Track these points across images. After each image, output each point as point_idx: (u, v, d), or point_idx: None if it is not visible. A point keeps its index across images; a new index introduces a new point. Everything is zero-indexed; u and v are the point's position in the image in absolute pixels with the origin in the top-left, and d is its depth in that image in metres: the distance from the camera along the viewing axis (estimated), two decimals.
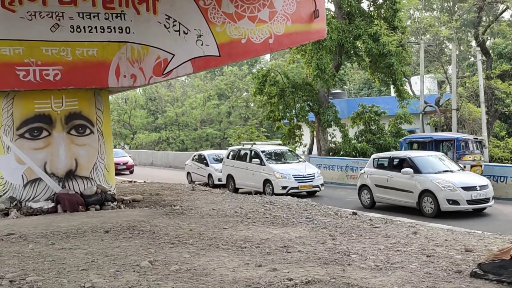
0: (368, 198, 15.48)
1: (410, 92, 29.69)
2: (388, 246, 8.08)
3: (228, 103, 55.44)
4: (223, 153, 23.11)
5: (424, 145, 19.16)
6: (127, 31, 12.57)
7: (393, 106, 30.00)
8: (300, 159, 20.06)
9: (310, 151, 32.68)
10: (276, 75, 27.78)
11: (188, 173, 24.01)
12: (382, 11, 27.49)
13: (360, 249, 7.81)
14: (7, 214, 11.87)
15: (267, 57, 58.46)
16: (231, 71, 54.10)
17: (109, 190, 12.98)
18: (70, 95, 12.53)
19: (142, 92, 56.67)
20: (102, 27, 12.34)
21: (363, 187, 15.69)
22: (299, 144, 29.07)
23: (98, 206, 12.48)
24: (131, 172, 30.71)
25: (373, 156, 16.60)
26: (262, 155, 18.92)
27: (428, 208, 13.52)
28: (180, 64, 13.05)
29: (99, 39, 12.32)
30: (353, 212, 12.03)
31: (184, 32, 13.08)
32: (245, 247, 7.81)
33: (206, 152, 24.31)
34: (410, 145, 19.88)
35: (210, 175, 22.19)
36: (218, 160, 22.32)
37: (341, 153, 27.33)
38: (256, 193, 16.58)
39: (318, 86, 27.65)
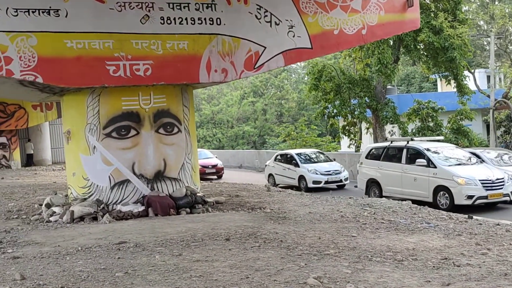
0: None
1: (475, 86, 28.48)
2: None
3: (263, 100, 54.62)
4: (308, 152, 22.17)
5: None
6: (218, 22, 11.77)
7: (444, 102, 28.91)
8: (479, 160, 16.03)
9: (358, 149, 31.65)
10: (331, 70, 26.83)
11: (270, 175, 22.38)
12: (441, 3, 26.40)
13: None
14: (95, 218, 11.16)
15: None
16: None
17: (198, 192, 12.19)
18: (158, 91, 11.76)
19: None
20: (192, 19, 11.55)
21: None
22: (354, 141, 28.15)
23: (188, 209, 11.71)
24: (220, 177, 26.73)
25: None
26: (429, 154, 15.32)
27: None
28: (271, 57, 12.23)
29: (190, 31, 11.54)
30: (468, 216, 11.07)
31: (275, 23, 12.25)
32: (402, 260, 6.92)
33: (293, 152, 22.65)
34: None
35: (301, 177, 20.73)
36: (310, 160, 21.25)
37: None
38: (422, 203, 13.50)
39: (375, 82, 26.70)
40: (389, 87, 39.45)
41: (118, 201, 11.55)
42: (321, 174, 20.59)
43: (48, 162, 33.62)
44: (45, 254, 7.80)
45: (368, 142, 29.89)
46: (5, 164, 30.87)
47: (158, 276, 6.26)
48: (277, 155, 22.65)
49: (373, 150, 17.45)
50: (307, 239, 8.30)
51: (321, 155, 22.72)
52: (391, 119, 25.85)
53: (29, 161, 32.50)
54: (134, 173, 11.60)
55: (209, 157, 27.45)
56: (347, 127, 27.81)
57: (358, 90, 26.04)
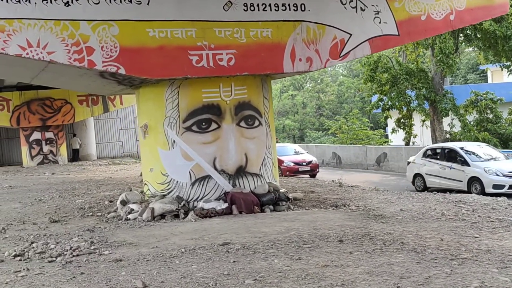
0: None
1: None
2: None
3: (303, 94, 53.82)
4: (475, 146, 18.01)
5: None
6: (302, 8, 11.10)
7: (500, 93, 27.74)
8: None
9: (407, 143, 30.59)
10: (387, 61, 25.92)
11: (417, 175, 18.33)
12: None
13: None
14: (176, 216, 10.64)
15: None
16: None
17: (281, 188, 11.58)
18: (239, 82, 11.15)
19: None
20: (276, 5, 10.90)
21: None
22: (409, 134, 27.20)
23: (271, 207, 11.10)
24: (314, 175, 22.80)
25: None
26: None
27: None
28: (357, 45, 11.53)
29: (273, 18, 10.90)
30: None
31: (361, 8, 11.52)
32: None
33: (455, 145, 17.96)
34: None
35: (474, 180, 16.35)
36: (480, 156, 16.98)
37: None
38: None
39: (432, 72, 25.71)
40: None
41: (199, 198, 11.00)
42: (504, 175, 16.00)
43: (93, 157, 33.46)
44: (148, 257, 7.26)
45: (424, 135, 28.93)
46: (52, 159, 30.74)
47: (293, 284, 5.64)
48: (427, 150, 18.64)
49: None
50: (428, 240, 7.59)
51: (491, 150, 18.06)
52: (450, 111, 24.82)
53: (75, 156, 32.36)
54: (215, 169, 11.02)
55: (300, 152, 24.16)
56: (402, 120, 26.86)
57: (416, 81, 25.07)
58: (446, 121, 26.46)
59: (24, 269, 7.04)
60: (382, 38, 11.68)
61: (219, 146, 11.02)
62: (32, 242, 8.61)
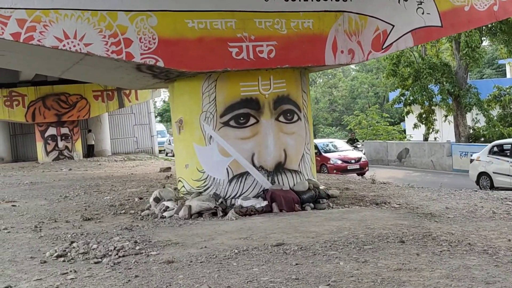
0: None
1: None
2: None
3: (315, 89, 53.37)
4: None
5: None
6: None
7: None
8: None
9: (426, 138, 30.08)
10: (410, 55, 25.45)
11: (483, 173, 17.04)
12: None
13: None
14: (214, 214, 10.27)
15: None
16: None
17: (320, 185, 11.19)
18: (278, 75, 10.75)
19: None
20: None
21: None
22: (431, 130, 26.74)
23: (311, 205, 10.72)
24: (363, 174, 20.98)
25: None
26: None
27: None
28: (400, 36, 11.12)
29: (315, 8, 10.49)
30: None
31: None
32: None
33: None
34: None
35: None
36: None
37: (482, 139, 24.89)
38: None
39: (455, 66, 25.24)
40: None
41: (237, 195, 10.62)
42: None
43: (108, 153, 33.17)
44: (200, 258, 6.88)
45: (444, 131, 28.46)
46: (68, 155, 30.47)
47: None
48: (493, 146, 17.33)
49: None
50: (495, 241, 7.18)
51: None
52: (474, 106, 24.36)
53: (90, 152, 32.09)
54: (254, 165, 10.64)
55: (347, 149, 22.89)
56: (424, 115, 26.38)
57: (439, 76, 24.60)
58: (468, 116, 25.98)
59: (71, 271, 6.68)
60: (425, 29, 11.25)
61: (258, 142, 10.64)
62: (72, 242, 8.26)
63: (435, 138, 27.33)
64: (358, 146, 25.45)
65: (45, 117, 29.70)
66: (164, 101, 58.11)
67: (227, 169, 10.59)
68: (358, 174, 20.56)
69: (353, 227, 8.28)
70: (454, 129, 25.70)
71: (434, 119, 26.48)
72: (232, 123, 10.54)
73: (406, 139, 30.66)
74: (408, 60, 24.83)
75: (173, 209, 10.58)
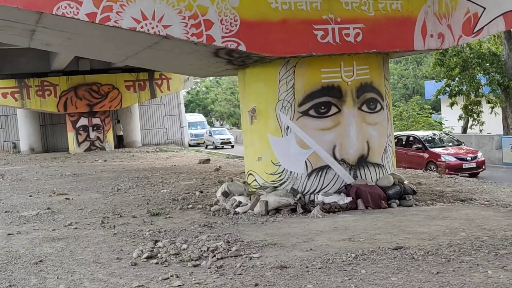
0: None
1: None
2: None
3: None
4: None
5: None
6: None
7: None
8: None
9: (465, 130, 28.98)
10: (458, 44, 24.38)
11: None
12: None
13: None
14: (293, 210, 9.52)
15: None
16: None
17: (405, 180, 10.39)
18: (361, 61, 9.93)
19: None
20: None
21: None
22: (476, 122, 25.72)
23: (397, 201, 9.91)
24: (477, 175, 17.97)
25: None
26: None
27: None
28: (491, 20, 10.21)
29: None
30: None
31: None
32: None
33: None
34: None
35: None
36: None
37: None
38: None
39: (505, 56, 24.19)
40: None
41: (316, 191, 9.86)
42: None
43: (138, 144, 32.57)
44: (314, 262, 6.16)
45: (493, 123, 27.40)
46: (99, 145, 29.91)
47: None
48: None
49: None
50: None
51: None
52: None
53: (120, 142, 31.51)
54: (335, 158, 9.85)
55: (457, 143, 19.53)
56: (469, 107, 25.37)
57: (488, 66, 23.58)
58: None
59: (172, 276, 5.99)
60: None
61: (339, 133, 9.85)
62: (156, 241, 7.56)
63: (480, 131, 26.32)
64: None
65: (77, 107, 29.13)
66: (188, 92, 57.35)
67: (305, 162, 9.82)
68: (470, 175, 17.32)
69: (466, 228, 7.49)
70: (502, 121, 24.67)
71: (480, 111, 25.48)
72: (311, 112, 9.76)
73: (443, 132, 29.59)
74: (456, 50, 23.83)
75: (246, 204, 9.87)
